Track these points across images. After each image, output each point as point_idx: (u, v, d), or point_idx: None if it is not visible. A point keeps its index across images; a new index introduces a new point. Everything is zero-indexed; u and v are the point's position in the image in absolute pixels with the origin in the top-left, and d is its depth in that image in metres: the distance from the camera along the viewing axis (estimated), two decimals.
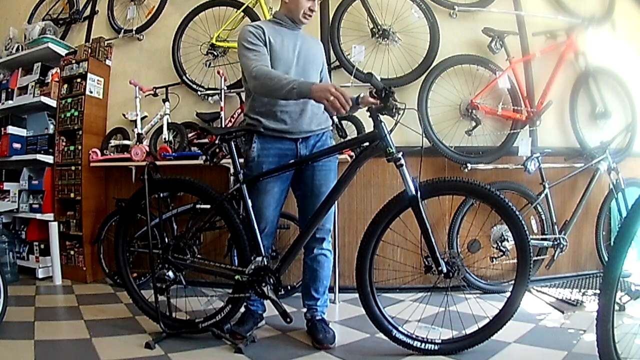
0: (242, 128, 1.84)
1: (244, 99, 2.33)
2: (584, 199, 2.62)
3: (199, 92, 2.87)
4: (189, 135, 2.79)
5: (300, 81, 1.55)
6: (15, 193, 3.05)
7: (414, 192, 1.56)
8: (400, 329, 1.66)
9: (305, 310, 1.93)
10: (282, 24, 1.83)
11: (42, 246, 3.00)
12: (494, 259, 2.45)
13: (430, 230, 1.57)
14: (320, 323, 1.82)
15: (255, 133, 1.81)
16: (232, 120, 2.67)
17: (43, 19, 3.35)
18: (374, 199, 2.65)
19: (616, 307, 1.20)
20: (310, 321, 1.85)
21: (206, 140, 2.73)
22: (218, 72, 2.70)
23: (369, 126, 1.84)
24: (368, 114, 1.64)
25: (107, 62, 3.13)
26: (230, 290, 1.82)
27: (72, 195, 2.92)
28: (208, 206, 1.88)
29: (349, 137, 2.44)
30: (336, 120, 1.78)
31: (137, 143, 2.84)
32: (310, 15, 1.80)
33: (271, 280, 1.71)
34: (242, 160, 1.88)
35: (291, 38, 1.82)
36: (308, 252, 1.89)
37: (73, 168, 2.93)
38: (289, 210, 2.38)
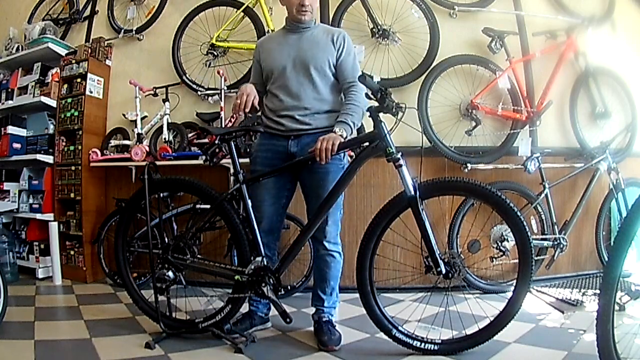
0: (242, 128, 1.87)
1: None
2: (584, 199, 2.62)
3: (199, 92, 2.86)
4: (189, 135, 2.79)
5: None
6: (15, 193, 3.05)
7: (412, 193, 1.57)
8: (400, 328, 1.66)
9: (313, 311, 1.91)
10: (287, 29, 1.92)
11: (42, 246, 3.00)
12: (494, 259, 2.45)
13: (429, 231, 1.57)
14: (327, 325, 1.81)
15: (259, 132, 1.87)
16: (232, 120, 2.67)
17: (43, 19, 3.35)
18: (374, 199, 2.65)
19: (616, 307, 1.20)
20: (317, 322, 1.84)
21: (206, 140, 2.72)
22: (218, 72, 2.69)
23: (369, 126, 1.84)
24: (368, 114, 1.64)
25: (107, 62, 3.13)
26: (230, 290, 1.82)
27: (72, 195, 2.91)
28: (208, 206, 1.88)
29: (349, 137, 2.47)
30: None
31: (137, 143, 2.84)
32: (305, 10, 1.81)
33: (271, 280, 1.72)
34: (242, 160, 1.88)
35: (291, 43, 1.87)
36: (315, 252, 1.90)
37: (73, 168, 2.93)
38: (289, 210, 2.37)
